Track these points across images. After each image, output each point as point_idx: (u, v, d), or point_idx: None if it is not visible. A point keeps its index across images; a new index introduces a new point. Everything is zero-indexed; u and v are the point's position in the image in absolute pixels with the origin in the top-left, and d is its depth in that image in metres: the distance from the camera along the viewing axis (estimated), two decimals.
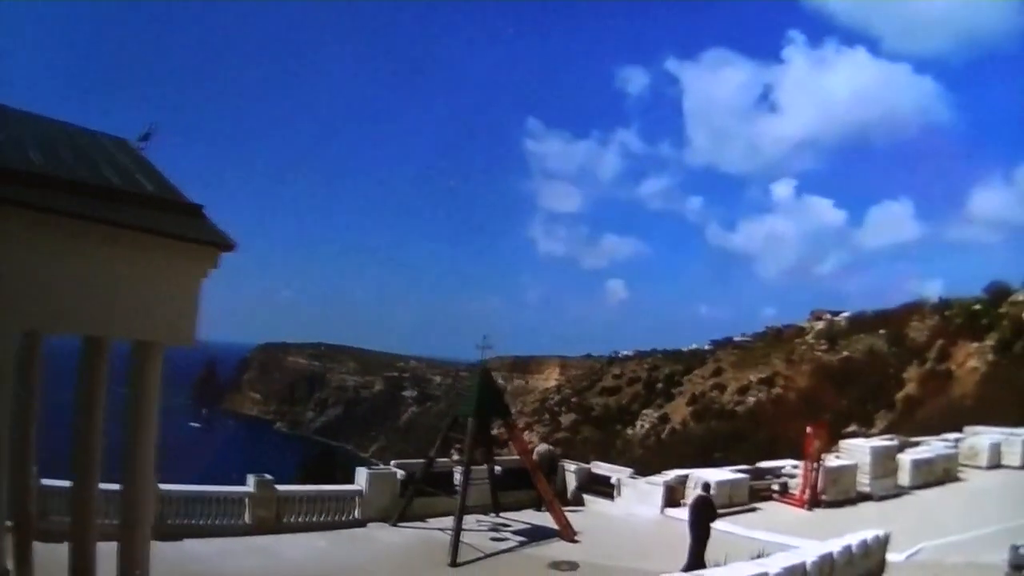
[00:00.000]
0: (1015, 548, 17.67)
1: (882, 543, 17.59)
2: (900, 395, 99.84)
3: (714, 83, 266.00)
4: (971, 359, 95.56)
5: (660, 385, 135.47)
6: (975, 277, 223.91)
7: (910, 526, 22.25)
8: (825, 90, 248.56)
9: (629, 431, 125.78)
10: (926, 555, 20.06)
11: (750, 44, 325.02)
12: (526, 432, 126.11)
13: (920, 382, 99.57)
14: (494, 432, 26.55)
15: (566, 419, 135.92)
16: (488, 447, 25.17)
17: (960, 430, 38.44)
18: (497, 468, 25.53)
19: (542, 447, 30.85)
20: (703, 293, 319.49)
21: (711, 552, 18.01)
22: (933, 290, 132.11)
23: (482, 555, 20.33)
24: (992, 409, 50.72)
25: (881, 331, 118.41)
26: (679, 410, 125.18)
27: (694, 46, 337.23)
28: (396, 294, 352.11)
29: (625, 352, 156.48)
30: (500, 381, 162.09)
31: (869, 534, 16.81)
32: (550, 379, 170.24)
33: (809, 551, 13.65)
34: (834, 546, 14.47)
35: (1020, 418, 39.77)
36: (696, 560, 17.93)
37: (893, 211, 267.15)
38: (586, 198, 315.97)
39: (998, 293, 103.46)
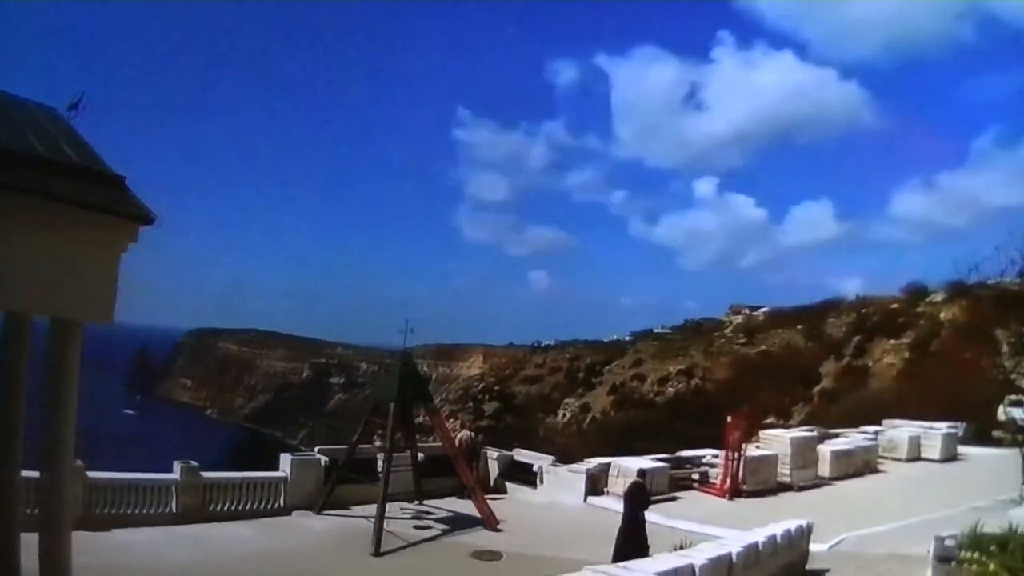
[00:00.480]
0: (940, 540, 17.34)
1: (805, 533, 17.19)
2: (817, 389, 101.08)
3: (643, 79, 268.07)
4: (888, 356, 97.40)
5: (581, 375, 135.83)
6: (893, 277, 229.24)
7: (832, 516, 22.12)
8: (752, 91, 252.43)
9: (551, 419, 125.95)
10: (849, 545, 19.91)
11: (680, 43, 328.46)
12: (450, 420, 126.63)
13: (837, 377, 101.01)
14: (419, 420, 25.88)
15: (489, 407, 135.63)
16: (410, 433, 24.56)
17: (877, 423, 38.94)
18: (420, 455, 24.93)
19: (465, 434, 30.13)
20: (625, 285, 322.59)
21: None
22: (851, 288, 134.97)
23: (405, 544, 20.01)
24: (907, 404, 51.23)
25: (799, 326, 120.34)
26: (600, 399, 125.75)
27: (625, 42, 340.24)
28: (324, 280, 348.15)
29: (548, 342, 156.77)
30: (425, 369, 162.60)
31: (793, 524, 16.37)
32: (474, 367, 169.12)
33: (734, 541, 13.04)
34: (759, 536, 13.89)
35: (935, 413, 40.32)
36: (637, 544, 17.55)
37: (814, 210, 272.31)
38: (512, 188, 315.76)
39: (916, 293, 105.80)
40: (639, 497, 18.97)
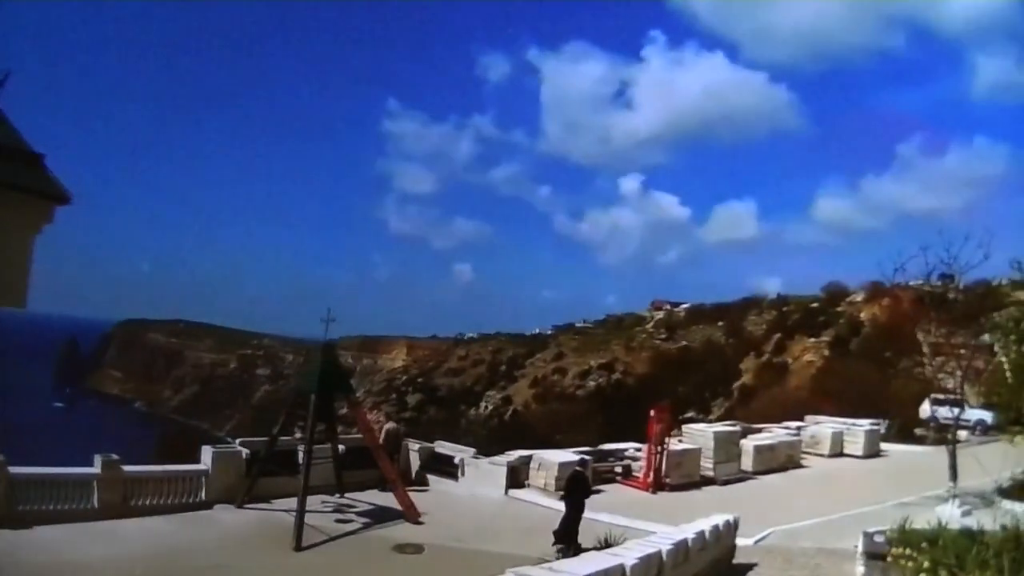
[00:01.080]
0: (869, 535, 17.05)
1: (732, 528, 16.79)
2: (737, 385, 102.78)
3: (573, 75, 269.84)
4: (807, 354, 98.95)
5: (503, 367, 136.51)
6: (813, 278, 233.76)
7: (757, 511, 21.90)
8: (680, 90, 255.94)
9: (473, 412, 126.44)
10: (775, 540, 19.67)
11: (612, 40, 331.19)
12: (374, 412, 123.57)
13: (756, 373, 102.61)
14: (343, 411, 25.60)
15: (412, 399, 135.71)
16: (332, 425, 23.87)
17: (796, 419, 39.08)
18: (341, 447, 24.26)
19: (389, 425, 29.45)
20: (547, 279, 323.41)
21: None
22: (772, 287, 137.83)
23: (327, 538, 19.59)
24: (826, 401, 51.85)
25: (719, 323, 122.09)
26: (521, 392, 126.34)
27: (557, 38, 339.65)
28: (252, 271, 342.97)
29: (470, 334, 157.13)
30: (349, 360, 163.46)
31: (720, 519, 15.93)
32: (398, 359, 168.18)
33: (663, 539, 12.47)
34: (688, 532, 13.34)
35: (853, 411, 40.84)
36: (567, 534, 18.24)
37: (736, 210, 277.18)
38: (439, 181, 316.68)
39: (835, 293, 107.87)
40: (581, 485, 19.61)
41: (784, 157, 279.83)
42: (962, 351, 24.89)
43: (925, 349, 35.64)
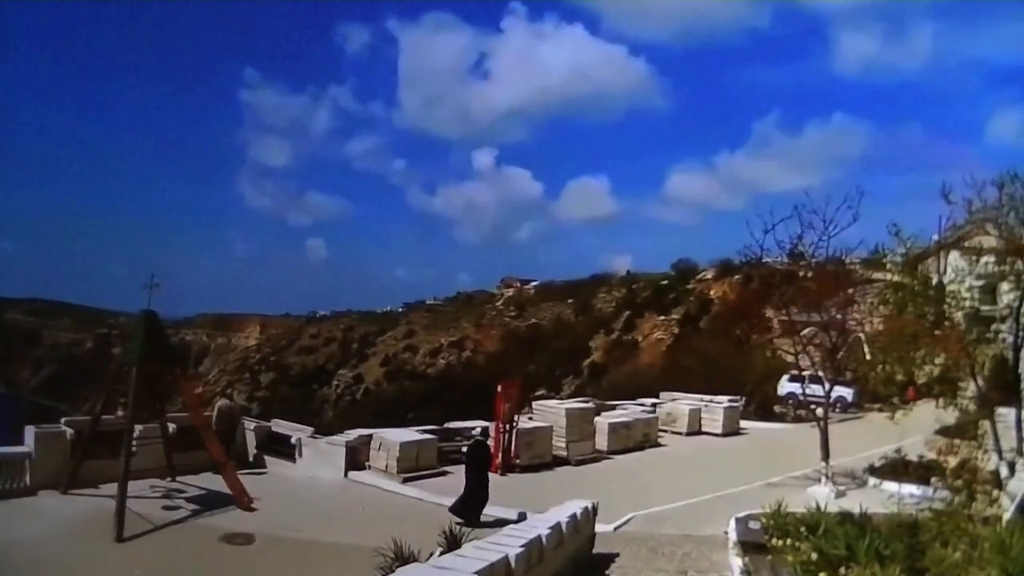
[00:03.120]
0: (742, 521, 15.58)
1: (591, 515, 14.91)
2: (587, 362, 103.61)
3: (432, 46, 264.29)
4: (656, 331, 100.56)
5: (355, 346, 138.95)
6: (665, 255, 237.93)
7: (615, 493, 20.65)
8: (539, 64, 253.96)
9: (325, 390, 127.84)
10: (637, 525, 18.25)
11: (472, 11, 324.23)
12: (228, 391, 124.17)
13: (606, 350, 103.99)
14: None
15: (265, 378, 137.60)
16: (159, 401, 21.74)
17: (652, 396, 38.21)
18: (172, 425, 22.11)
19: (222, 402, 26.84)
20: (401, 255, 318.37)
21: (401, 518, 17.37)
22: (624, 265, 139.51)
23: (152, 527, 17.73)
24: (677, 378, 51.21)
25: (569, 300, 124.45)
26: (373, 371, 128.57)
27: (417, 7, 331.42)
28: (108, 246, 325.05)
29: (323, 312, 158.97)
30: (204, 339, 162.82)
31: (577, 506, 14.01)
32: (251, 338, 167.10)
33: (512, 535, 10.41)
34: (541, 526, 11.27)
35: (704, 388, 40.07)
36: (468, 506, 18.43)
37: (590, 187, 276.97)
38: (295, 154, 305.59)
39: (685, 270, 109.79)
40: (482, 455, 19.72)
41: (642, 133, 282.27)
42: (813, 328, 24.09)
43: (775, 327, 35.35)
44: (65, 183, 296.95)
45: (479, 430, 21.45)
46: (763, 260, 21.90)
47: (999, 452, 17.11)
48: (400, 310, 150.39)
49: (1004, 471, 16.48)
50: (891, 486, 19.94)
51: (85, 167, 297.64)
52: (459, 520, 17.13)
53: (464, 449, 21.67)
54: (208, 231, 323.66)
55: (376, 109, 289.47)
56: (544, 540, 10.46)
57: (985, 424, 20.63)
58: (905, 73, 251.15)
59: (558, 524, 11.51)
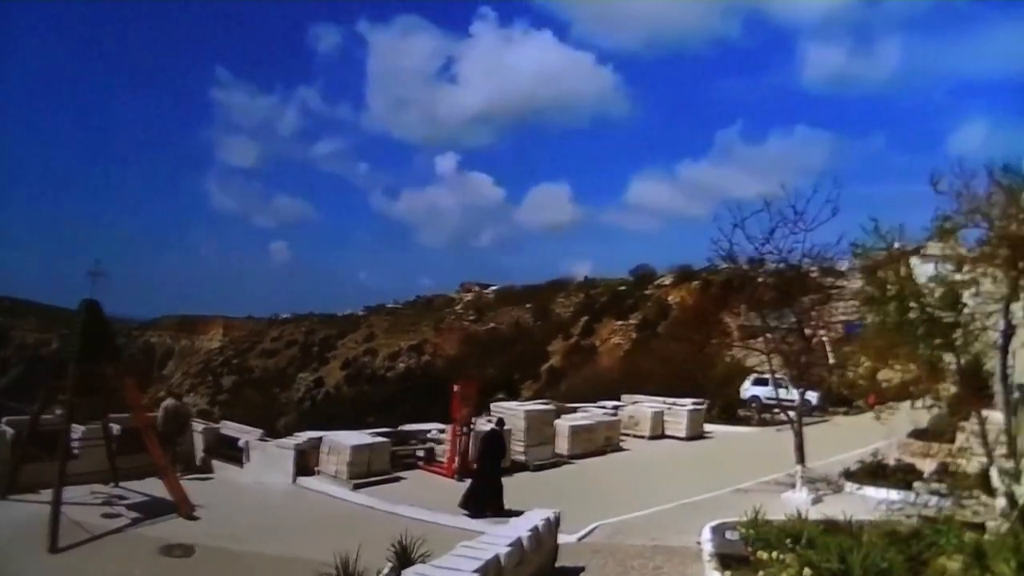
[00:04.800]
0: (718, 531, 14.16)
1: (553, 526, 13.40)
2: (545, 367, 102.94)
3: (401, 49, 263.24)
4: (615, 336, 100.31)
5: (316, 349, 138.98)
6: (625, 261, 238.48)
7: (577, 501, 19.41)
8: (507, 69, 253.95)
9: (287, 394, 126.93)
10: (602, 536, 16.84)
11: (442, 14, 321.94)
12: (190, 394, 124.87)
13: (565, 355, 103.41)
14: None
15: (228, 381, 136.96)
16: (101, 399, 20.12)
17: (614, 398, 37.05)
18: (116, 427, 20.76)
19: (169, 402, 24.83)
20: (363, 259, 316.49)
21: (350, 528, 16.27)
22: (584, 271, 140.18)
23: (89, 536, 16.58)
24: (636, 382, 50.16)
25: (528, 305, 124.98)
26: (334, 374, 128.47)
27: (387, 9, 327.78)
28: (72, 245, 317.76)
29: (285, 315, 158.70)
30: (168, 341, 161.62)
31: (539, 517, 12.57)
32: (215, 340, 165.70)
33: (470, 555, 8.88)
34: (500, 544, 9.72)
35: (666, 390, 38.85)
36: (473, 499, 18.19)
37: (552, 193, 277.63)
38: (262, 154, 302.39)
39: (644, 276, 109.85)
40: (496, 445, 19.49)
41: (606, 140, 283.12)
42: (772, 334, 23.16)
43: (733, 332, 34.77)
44: (28, 181, 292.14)
45: (494, 420, 22.03)
46: (732, 255, 20.54)
47: (989, 456, 15.82)
48: (361, 313, 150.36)
49: (996, 475, 15.22)
50: (873, 492, 18.83)
51: (49, 165, 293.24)
52: (466, 513, 17.59)
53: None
54: (173, 231, 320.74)
55: (344, 111, 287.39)
56: (503, 560, 8.93)
57: (966, 427, 19.64)
58: (871, 86, 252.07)
59: (519, 540, 9.95)
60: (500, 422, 21.61)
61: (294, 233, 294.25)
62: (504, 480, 22.72)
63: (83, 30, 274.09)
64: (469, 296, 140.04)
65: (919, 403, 22.60)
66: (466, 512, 17.62)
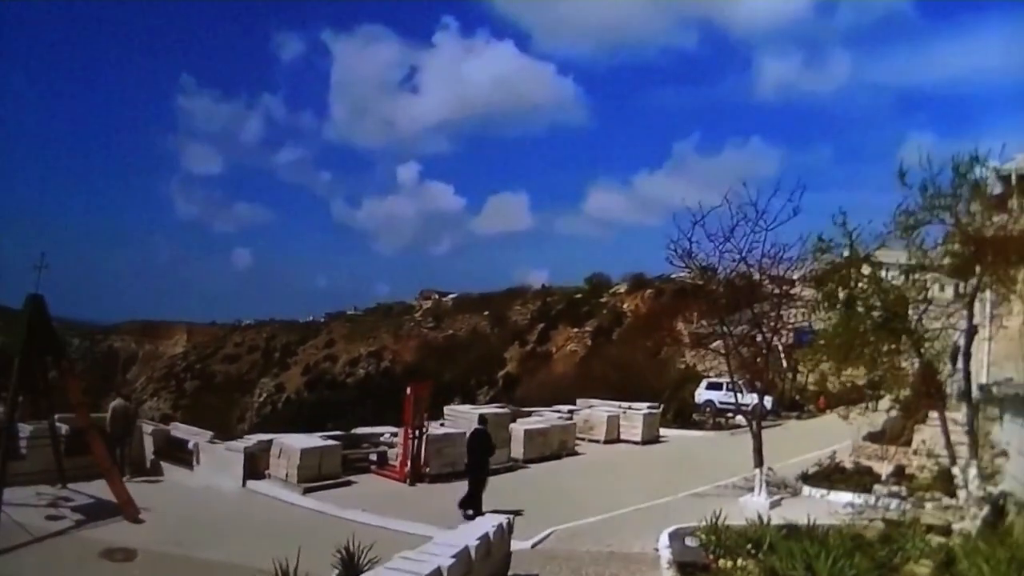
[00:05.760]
0: (676, 537, 13.44)
1: (506, 532, 12.57)
2: (502, 373, 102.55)
3: (363, 58, 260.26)
4: (570, 343, 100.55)
5: (277, 354, 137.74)
6: (580, 269, 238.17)
7: (532, 506, 18.60)
8: (467, 79, 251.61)
9: (248, 399, 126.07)
10: (557, 542, 16.05)
11: (405, 24, 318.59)
12: (153, 399, 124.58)
13: (521, 361, 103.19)
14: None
15: (191, 386, 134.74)
16: (45, 398, 19.56)
17: (569, 403, 36.25)
18: (64, 426, 20.27)
19: (117, 402, 23.71)
20: (323, 266, 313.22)
21: (297, 533, 14.91)
22: (539, 278, 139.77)
23: (30, 539, 15.78)
24: (590, 387, 49.58)
25: (485, 312, 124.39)
26: (294, 379, 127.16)
27: (350, 18, 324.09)
28: (30, 249, 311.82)
29: (247, 320, 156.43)
30: (132, 346, 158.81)
31: (491, 524, 11.73)
32: (178, 345, 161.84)
33: (411, 562, 8.03)
34: (444, 554, 8.84)
35: (620, 395, 38.16)
36: (474, 499, 17.92)
37: (510, 201, 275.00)
38: (225, 161, 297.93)
39: (599, 284, 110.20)
40: (484, 444, 19.05)
41: (563, 150, 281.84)
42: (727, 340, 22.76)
43: (685, 339, 34.57)
44: None
45: (481, 416, 21.58)
46: (691, 254, 19.88)
47: (952, 456, 15.30)
48: (322, 320, 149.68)
49: (960, 476, 14.69)
50: (832, 495, 18.42)
51: (11, 167, 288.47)
52: (468, 514, 16.92)
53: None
54: (136, 236, 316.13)
55: (306, 119, 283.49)
56: (446, 572, 8.05)
57: (923, 428, 19.27)
58: (821, 97, 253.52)
59: (466, 549, 9.07)
60: (483, 420, 21.09)
61: (254, 239, 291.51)
62: (459, 483, 22.25)
63: (48, 34, 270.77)
64: (428, 303, 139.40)
65: (870, 405, 22.39)
66: (468, 514, 17.04)
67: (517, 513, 16.81)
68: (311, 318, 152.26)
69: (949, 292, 18.11)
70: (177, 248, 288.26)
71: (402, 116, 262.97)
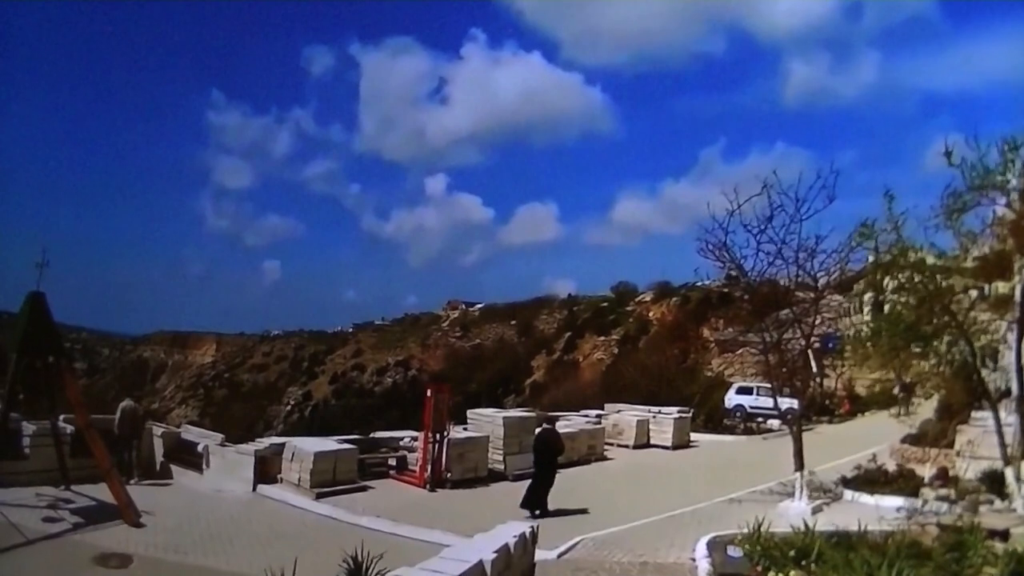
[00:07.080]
0: (717, 545, 12.16)
1: (530, 541, 11.47)
2: (528, 381, 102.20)
3: (392, 71, 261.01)
4: (597, 351, 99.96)
5: (305, 364, 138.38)
6: (606, 278, 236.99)
7: (558, 513, 17.71)
8: (495, 90, 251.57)
9: (276, 407, 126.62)
10: (584, 551, 14.71)
11: (434, 36, 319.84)
12: (181, 407, 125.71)
13: (548, 370, 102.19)
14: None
15: (219, 395, 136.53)
16: (47, 396, 18.95)
17: (597, 408, 35.00)
18: (68, 427, 19.87)
19: (125, 403, 22.91)
20: (351, 278, 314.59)
21: (306, 540, 15.12)
22: (567, 288, 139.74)
23: (25, 541, 15.20)
24: (617, 394, 48.28)
25: (512, 322, 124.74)
26: (322, 388, 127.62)
27: (379, 31, 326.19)
28: (65, 262, 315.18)
29: (276, 331, 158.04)
30: (161, 356, 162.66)
31: (513, 532, 10.71)
32: (207, 355, 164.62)
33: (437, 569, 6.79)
34: (464, 566, 7.57)
35: (645, 401, 37.07)
36: (535, 499, 17.54)
37: (538, 212, 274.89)
38: (256, 175, 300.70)
39: (625, 293, 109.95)
40: (551, 445, 18.55)
41: (591, 159, 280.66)
42: (752, 346, 21.75)
43: (712, 345, 33.65)
44: (26, 197, 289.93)
45: (549, 417, 21.66)
46: (727, 247, 18.48)
47: (1005, 457, 14.00)
48: (349, 330, 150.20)
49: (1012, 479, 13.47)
50: (877, 499, 16.88)
51: (44, 182, 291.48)
52: (531, 514, 16.79)
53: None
54: (168, 250, 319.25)
55: (336, 132, 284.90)
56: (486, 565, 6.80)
57: (966, 429, 17.85)
58: (848, 101, 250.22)
59: (480, 564, 7.76)
60: (550, 420, 21.00)
61: (284, 252, 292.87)
62: (482, 489, 21.44)
63: (80, 51, 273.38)
64: (455, 313, 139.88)
65: (915, 402, 21.06)
66: (531, 514, 16.86)
67: (583, 511, 17.73)
68: (339, 328, 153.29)
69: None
70: (208, 261, 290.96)
71: (431, 128, 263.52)
